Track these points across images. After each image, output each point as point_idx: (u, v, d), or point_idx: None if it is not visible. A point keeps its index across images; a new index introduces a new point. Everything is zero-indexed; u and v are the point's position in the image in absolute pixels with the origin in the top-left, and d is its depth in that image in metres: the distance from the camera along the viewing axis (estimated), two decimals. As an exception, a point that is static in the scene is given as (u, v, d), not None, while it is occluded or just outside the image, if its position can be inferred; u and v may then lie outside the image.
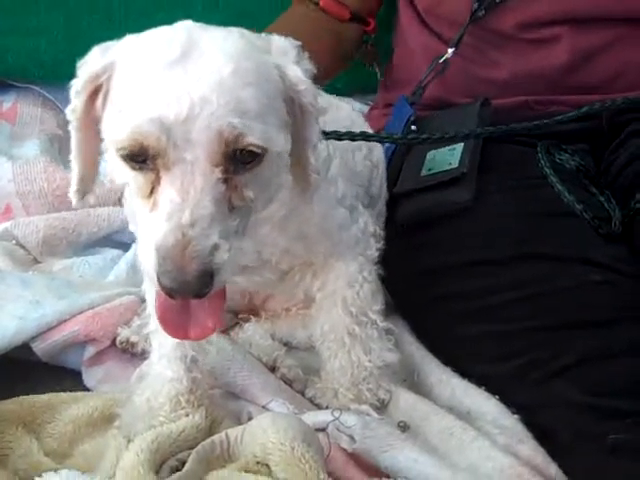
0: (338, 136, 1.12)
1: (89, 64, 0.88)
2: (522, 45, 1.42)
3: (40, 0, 1.74)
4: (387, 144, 1.43)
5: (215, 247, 0.80)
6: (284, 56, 0.89)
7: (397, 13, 1.61)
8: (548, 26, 1.40)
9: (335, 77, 1.65)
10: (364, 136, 1.19)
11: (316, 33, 1.52)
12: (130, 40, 0.88)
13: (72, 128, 0.92)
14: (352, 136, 1.13)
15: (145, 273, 0.84)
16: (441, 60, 1.41)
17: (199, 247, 0.78)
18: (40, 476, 0.94)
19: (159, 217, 0.80)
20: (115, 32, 0.90)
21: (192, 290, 0.80)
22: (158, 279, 0.79)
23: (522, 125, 1.24)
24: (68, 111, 0.91)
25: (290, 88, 0.88)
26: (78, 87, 0.89)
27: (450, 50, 1.41)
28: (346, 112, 1.33)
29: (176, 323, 0.87)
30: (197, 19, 0.89)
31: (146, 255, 0.81)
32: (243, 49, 0.85)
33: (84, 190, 0.97)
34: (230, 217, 0.83)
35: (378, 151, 1.37)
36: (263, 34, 0.92)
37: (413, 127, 1.39)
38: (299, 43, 0.91)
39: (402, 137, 1.31)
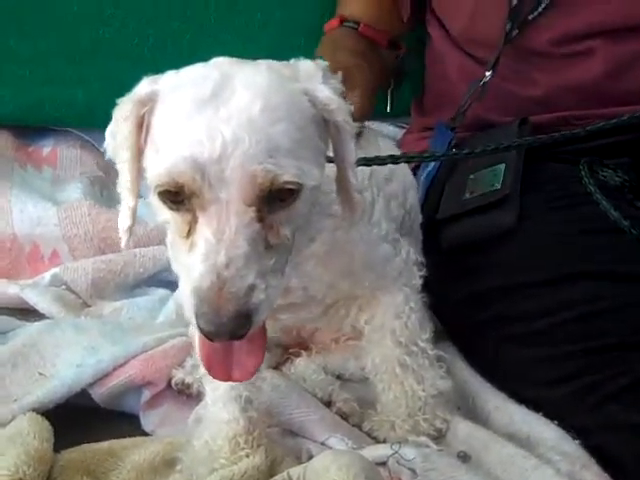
0: (381, 160, 1.10)
1: (137, 91, 0.88)
2: (557, 60, 1.41)
3: (75, 51, 1.76)
4: (428, 169, 1.43)
5: (251, 287, 0.79)
6: (311, 79, 0.89)
7: (428, 37, 1.61)
8: (582, 40, 1.39)
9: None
10: (407, 157, 1.19)
11: (365, 54, 1.48)
12: (169, 77, 0.88)
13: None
14: (395, 159, 1.12)
15: (186, 315, 0.84)
16: (480, 84, 1.41)
17: (234, 288, 0.78)
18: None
19: (196, 258, 0.80)
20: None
21: (229, 332, 0.79)
22: (196, 322, 0.80)
23: (549, 136, 1.20)
24: (108, 133, 0.91)
25: (322, 109, 0.88)
26: (126, 112, 0.88)
27: (488, 73, 1.40)
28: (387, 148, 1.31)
29: (220, 365, 0.87)
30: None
31: (185, 297, 0.82)
32: (271, 83, 0.84)
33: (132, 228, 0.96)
34: (267, 256, 0.82)
35: (412, 197, 1.35)
36: (292, 60, 0.92)
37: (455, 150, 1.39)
38: (325, 64, 0.91)
39: (444, 154, 1.30)
